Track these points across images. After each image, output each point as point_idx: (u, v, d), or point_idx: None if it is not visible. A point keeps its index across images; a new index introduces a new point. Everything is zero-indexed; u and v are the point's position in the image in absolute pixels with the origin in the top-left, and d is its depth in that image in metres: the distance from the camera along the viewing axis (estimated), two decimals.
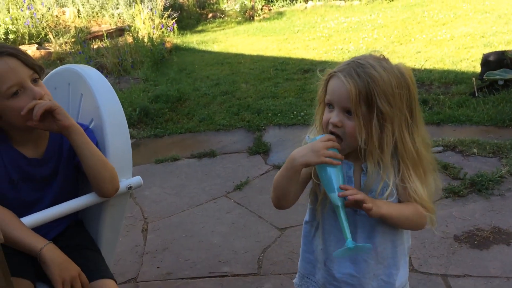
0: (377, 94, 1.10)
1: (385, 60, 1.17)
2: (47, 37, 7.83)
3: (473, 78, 4.39)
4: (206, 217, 2.82)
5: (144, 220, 2.84)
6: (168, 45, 7.92)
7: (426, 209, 1.19)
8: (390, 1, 10.29)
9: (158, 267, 2.38)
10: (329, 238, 1.27)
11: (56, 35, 7.81)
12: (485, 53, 4.59)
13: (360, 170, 1.21)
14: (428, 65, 5.41)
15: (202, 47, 8.09)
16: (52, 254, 1.31)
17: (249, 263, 2.36)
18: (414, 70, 5.23)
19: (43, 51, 7.31)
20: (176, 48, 8.00)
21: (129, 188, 1.55)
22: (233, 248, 2.48)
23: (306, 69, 5.83)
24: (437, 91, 4.51)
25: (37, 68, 1.40)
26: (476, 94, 4.22)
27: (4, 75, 1.31)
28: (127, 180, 1.56)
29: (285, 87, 5.19)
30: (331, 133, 1.17)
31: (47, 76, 1.73)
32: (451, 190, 2.77)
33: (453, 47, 6.02)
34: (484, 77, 4.26)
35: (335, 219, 1.17)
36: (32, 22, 7.89)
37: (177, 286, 2.24)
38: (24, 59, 1.36)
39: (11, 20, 7.63)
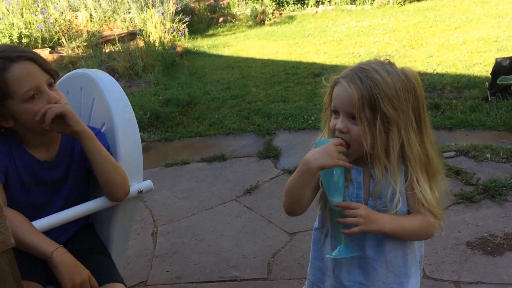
0: (380, 98, 1.10)
1: (390, 64, 1.17)
2: (60, 41, 7.91)
3: (486, 83, 4.34)
4: (216, 221, 2.82)
5: (154, 223, 2.85)
6: (179, 49, 7.96)
7: (434, 216, 1.18)
8: (402, 5, 10.24)
9: (167, 271, 2.38)
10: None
11: (68, 39, 7.90)
12: (497, 58, 4.53)
13: (369, 176, 1.20)
14: (440, 70, 5.37)
15: (213, 51, 8.12)
16: (63, 258, 1.32)
17: (258, 267, 2.35)
18: (426, 74, 5.19)
19: (55, 55, 7.39)
20: (187, 52, 8.03)
21: (140, 192, 1.56)
22: (243, 253, 2.48)
23: (316, 73, 5.82)
24: (450, 96, 4.47)
25: (53, 73, 1.43)
26: (489, 99, 4.17)
27: (23, 78, 1.34)
28: (138, 184, 1.57)
29: (295, 91, 5.18)
30: None
31: (60, 80, 1.74)
32: (463, 195, 2.74)
33: (466, 52, 5.96)
34: (498, 82, 4.20)
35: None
36: (45, 27, 7.98)
37: None
38: (42, 63, 1.39)
39: (25, 24, 7.73)
